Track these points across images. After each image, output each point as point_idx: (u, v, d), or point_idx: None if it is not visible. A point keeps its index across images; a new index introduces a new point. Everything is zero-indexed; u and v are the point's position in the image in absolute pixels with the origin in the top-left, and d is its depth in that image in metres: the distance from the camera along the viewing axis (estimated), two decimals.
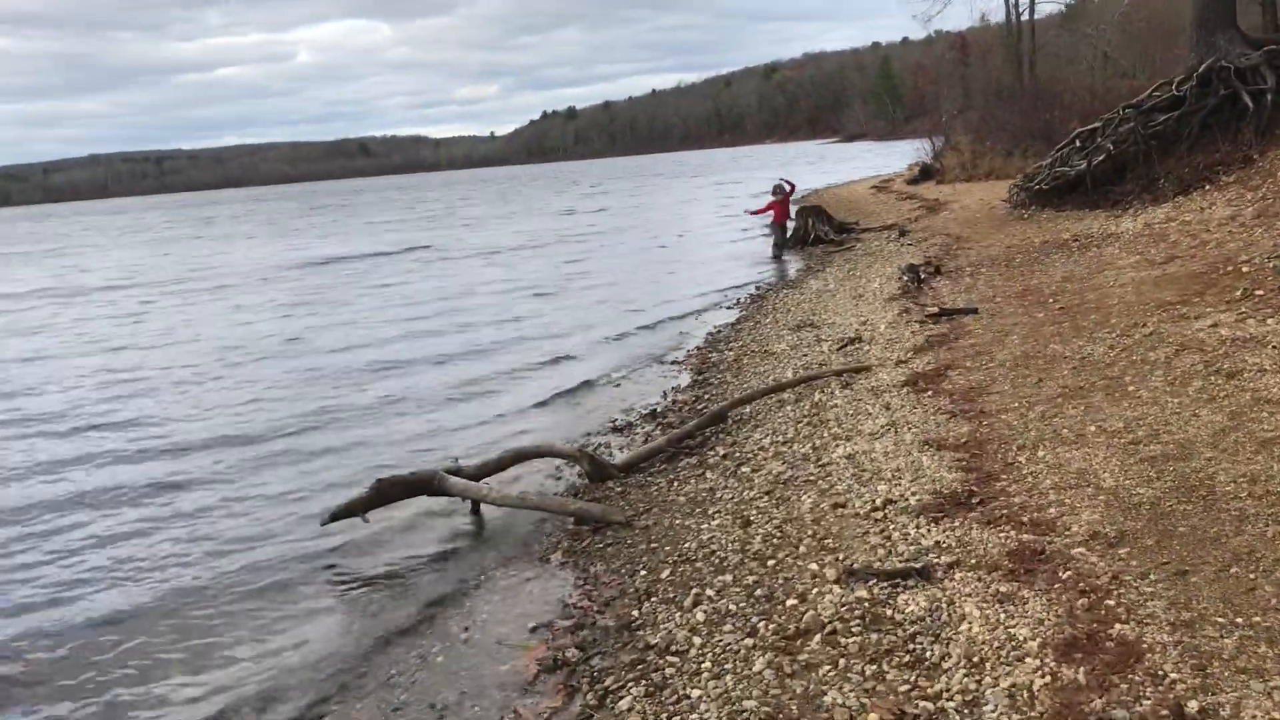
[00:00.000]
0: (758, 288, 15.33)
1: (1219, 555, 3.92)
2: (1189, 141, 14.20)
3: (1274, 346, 6.19)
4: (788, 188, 19.67)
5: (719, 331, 11.97)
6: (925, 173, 30.82)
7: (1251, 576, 3.71)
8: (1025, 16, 33.65)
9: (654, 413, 8.53)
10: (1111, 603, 3.70)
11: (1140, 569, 3.92)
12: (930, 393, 7.06)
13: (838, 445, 6.45)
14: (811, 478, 5.96)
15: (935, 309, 9.86)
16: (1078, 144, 15.79)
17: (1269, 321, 6.73)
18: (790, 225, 20.01)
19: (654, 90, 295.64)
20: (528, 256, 24.60)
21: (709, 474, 6.55)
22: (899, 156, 57.76)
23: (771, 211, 19.72)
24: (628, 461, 6.97)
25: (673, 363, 10.65)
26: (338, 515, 6.20)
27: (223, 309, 18.67)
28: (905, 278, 12.43)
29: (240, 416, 9.77)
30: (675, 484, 6.48)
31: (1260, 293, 7.42)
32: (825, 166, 63.55)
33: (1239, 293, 7.55)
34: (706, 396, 8.81)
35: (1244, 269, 8.22)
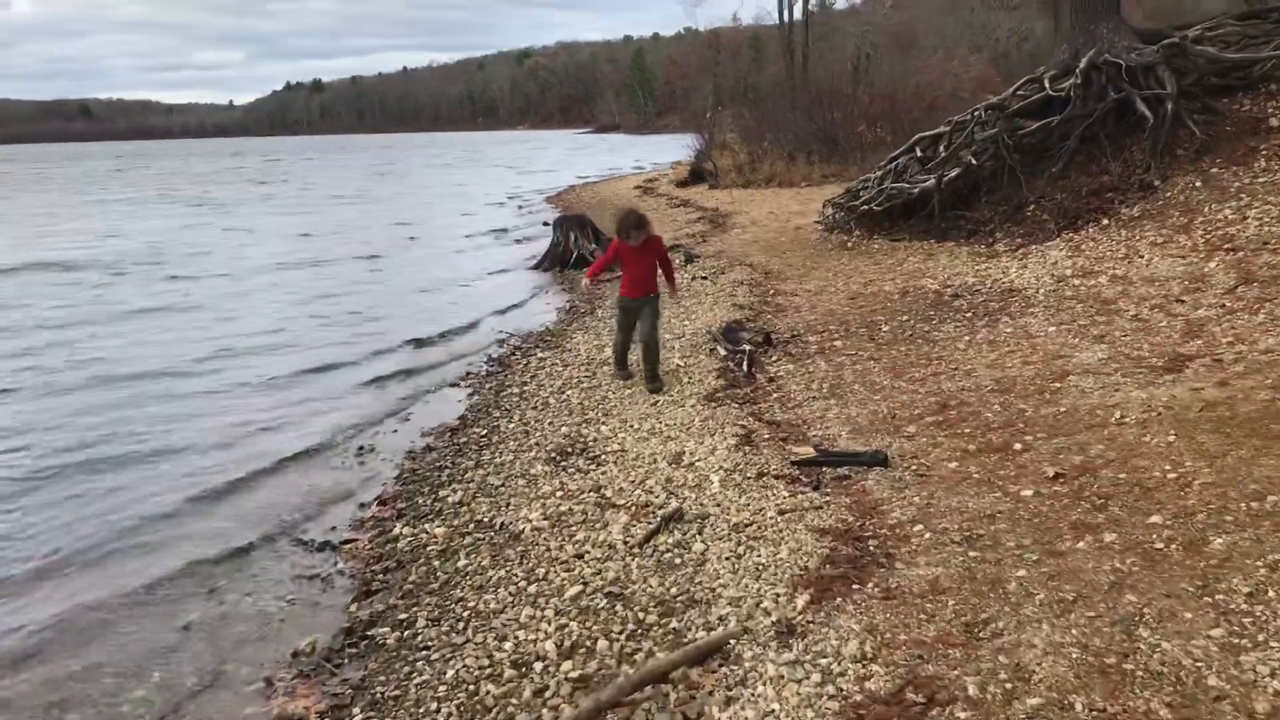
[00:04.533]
0: (503, 343, 10.43)
1: None
2: (1064, 158, 10.88)
3: None
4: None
5: (426, 454, 6.94)
6: (697, 175, 27.12)
7: None
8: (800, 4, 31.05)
9: None
10: None
11: None
12: None
13: None
14: None
15: (808, 449, 5.47)
16: (918, 154, 12.19)
17: None
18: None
19: (405, 68, 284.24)
20: (214, 289, 15.36)
21: None
22: (657, 150, 54.64)
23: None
24: None
25: (319, 549, 5.41)
26: None
27: None
28: (724, 351, 8.09)
29: None
30: None
31: None
32: (580, 159, 59.55)
33: None
34: (357, 711, 3.86)
35: None
